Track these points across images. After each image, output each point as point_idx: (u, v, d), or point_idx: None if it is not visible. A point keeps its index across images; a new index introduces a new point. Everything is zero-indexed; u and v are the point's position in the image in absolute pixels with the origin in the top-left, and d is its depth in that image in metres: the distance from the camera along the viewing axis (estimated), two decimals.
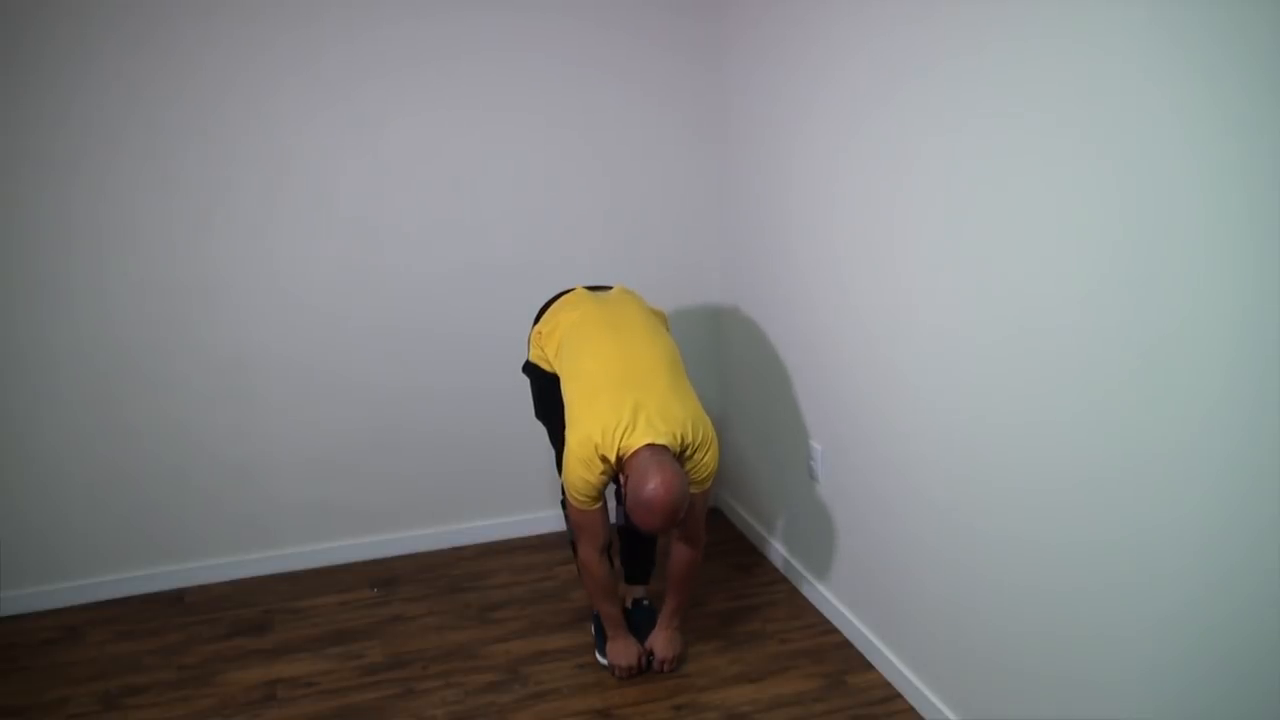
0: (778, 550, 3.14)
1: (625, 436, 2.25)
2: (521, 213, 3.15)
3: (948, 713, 2.28)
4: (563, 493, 2.53)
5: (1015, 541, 1.98)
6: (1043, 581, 1.91)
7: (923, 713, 2.38)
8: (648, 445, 2.24)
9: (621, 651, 2.56)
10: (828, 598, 2.81)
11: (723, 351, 3.45)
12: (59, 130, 2.70)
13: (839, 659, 2.63)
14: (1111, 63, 1.58)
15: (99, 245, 2.80)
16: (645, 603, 2.76)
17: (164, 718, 2.47)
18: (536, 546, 3.32)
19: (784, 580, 3.06)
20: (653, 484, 2.17)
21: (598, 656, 2.65)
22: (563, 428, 2.50)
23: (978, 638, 2.15)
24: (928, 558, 2.30)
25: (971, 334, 2.04)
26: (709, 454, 2.37)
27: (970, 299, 2.03)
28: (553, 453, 2.70)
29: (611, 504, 2.69)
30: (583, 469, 2.31)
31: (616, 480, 2.39)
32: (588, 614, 2.83)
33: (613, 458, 2.27)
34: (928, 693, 2.36)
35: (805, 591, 2.95)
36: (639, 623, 2.70)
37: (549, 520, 3.35)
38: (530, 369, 2.68)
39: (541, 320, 2.66)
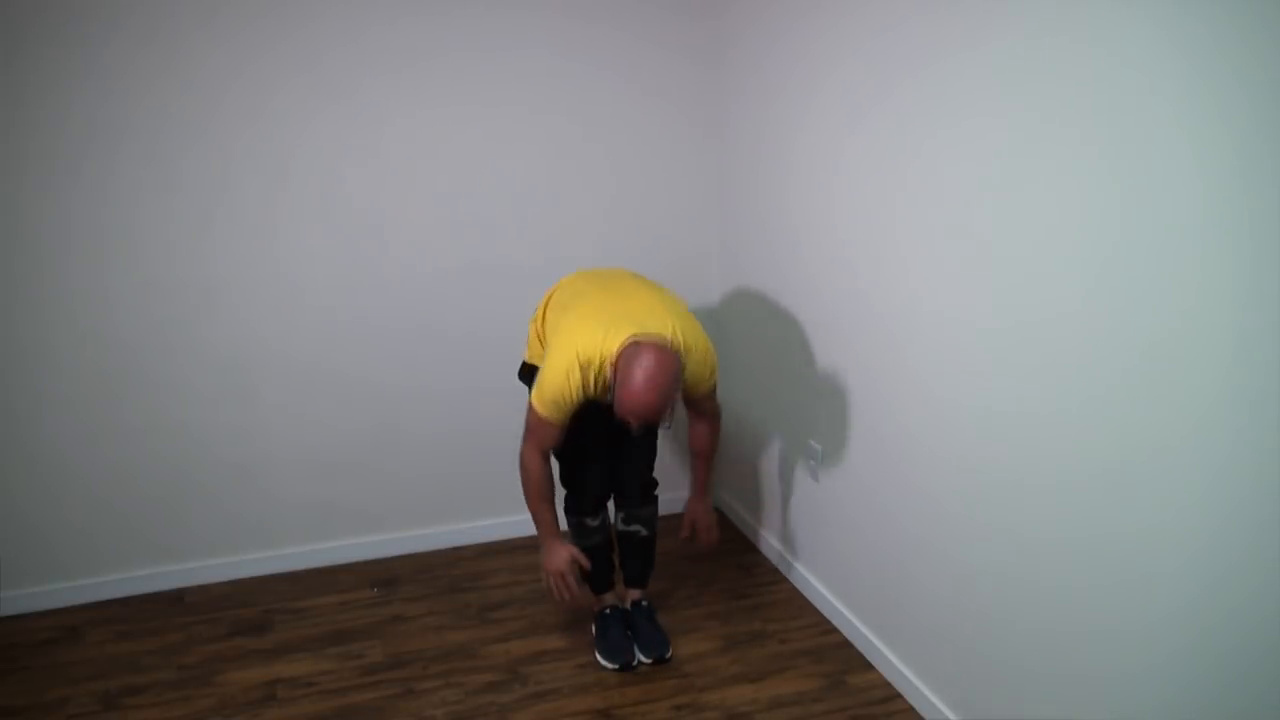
0: (778, 550, 3.14)
1: (610, 339, 2.19)
2: (522, 211, 3.15)
3: (948, 713, 2.28)
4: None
5: (1015, 541, 1.98)
6: (1043, 580, 1.92)
7: (923, 713, 2.38)
8: (633, 338, 2.18)
9: (553, 558, 2.43)
10: (828, 597, 2.81)
11: (722, 350, 3.43)
12: (60, 131, 2.70)
13: (839, 659, 2.63)
14: (1110, 61, 1.58)
15: (100, 245, 2.80)
16: (644, 604, 2.76)
17: (164, 718, 2.47)
18: (536, 546, 3.29)
19: (784, 580, 3.06)
20: (645, 359, 2.10)
21: (598, 657, 2.66)
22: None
23: (978, 637, 2.15)
24: (928, 558, 2.30)
25: (972, 336, 2.04)
26: (704, 358, 2.33)
27: (971, 300, 2.03)
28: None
29: (612, 507, 2.70)
30: (561, 375, 2.23)
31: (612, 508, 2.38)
32: (588, 614, 2.83)
33: (596, 362, 2.20)
34: (928, 693, 2.36)
35: (805, 591, 2.95)
36: (637, 622, 2.70)
37: None
38: (527, 373, 2.65)
39: (537, 308, 2.65)
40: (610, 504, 2.70)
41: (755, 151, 3.00)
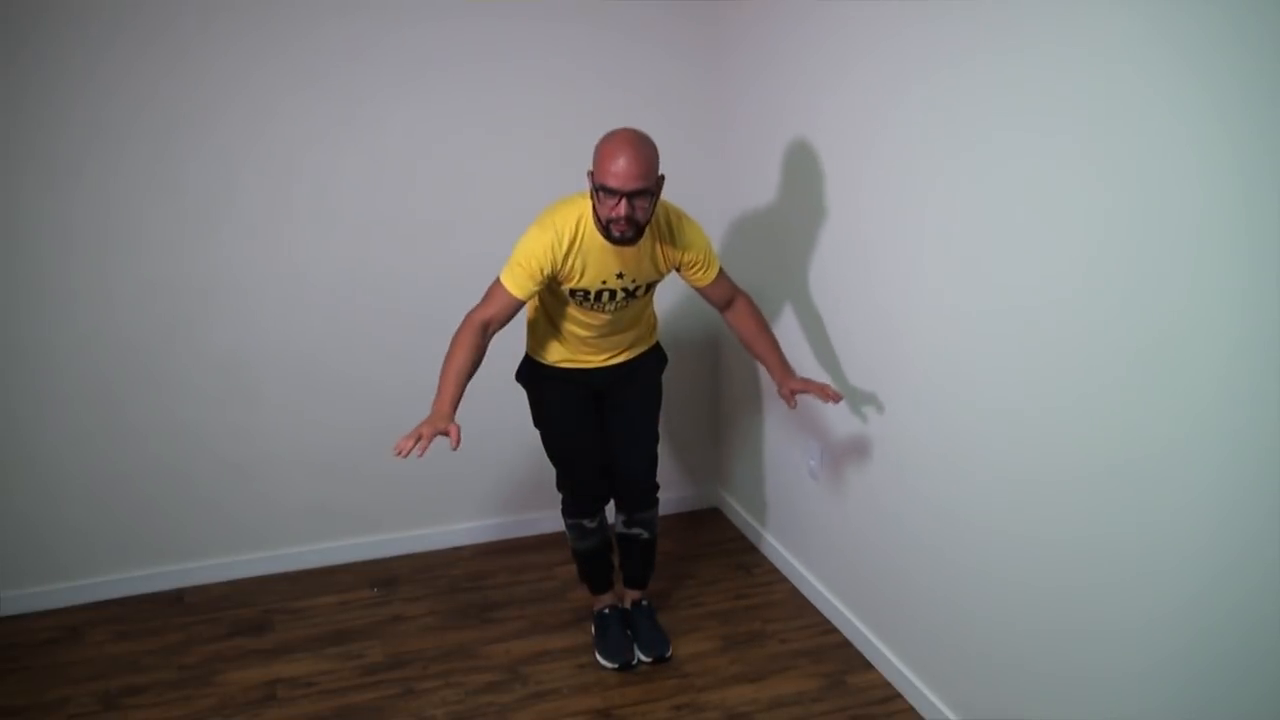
0: (777, 550, 3.14)
1: (586, 197, 2.23)
2: (523, 214, 3.13)
3: (948, 713, 2.28)
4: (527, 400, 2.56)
5: (1015, 541, 1.99)
6: (1042, 580, 1.92)
7: (923, 713, 2.38)
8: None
9: (433, 420, 2.13)
10: (827, 597, 2.82)
11: (722, 350, 3.45)
12: (63, 132, 2.69)
13: (839, 659, 2.63)
14: (1107, 60, 1.58)
15: (101, 246, 2.79)
16: (644, 603, 2.76)
17: (164, 718, 2.47)
18: (536, 546, 3.32)
19: (783, 580, 3.06)
20: (615, 131, 2.13)
21: (597, 657, 2.66)
22: (555, 435, 2.53)
23: (978, 637, 2.15)
24: (927, 557, 2.30)
25: (972, 337, 2.04)
26: (697, 226, 2.36)
27: (970, 300, 2.03)
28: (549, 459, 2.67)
29: (611, 510, 2.69)
30: (533, 236, 2.24)
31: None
32: (588, 614, 2.83)
33: (574, 217, 2.22)
34: (928, 693, 2.36)
35: (805, 591, 2.95)
36: (637, 622, 2.71)
37: (549, 520, 3.35)
38: (524, 374, 2.64)
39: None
40: (609, 505, 2.70)
41: (756, 150, 2.99)
